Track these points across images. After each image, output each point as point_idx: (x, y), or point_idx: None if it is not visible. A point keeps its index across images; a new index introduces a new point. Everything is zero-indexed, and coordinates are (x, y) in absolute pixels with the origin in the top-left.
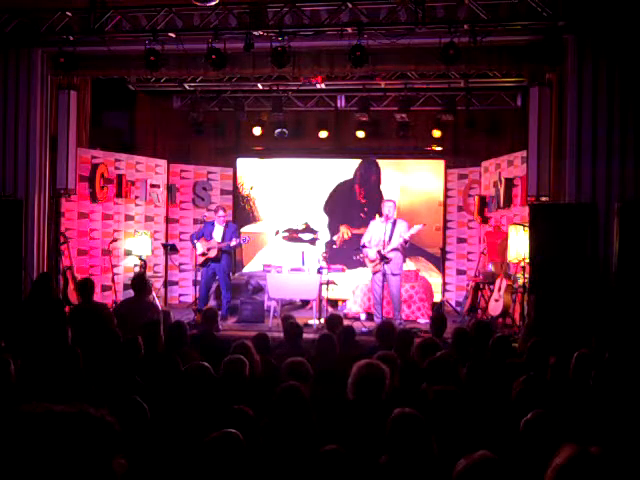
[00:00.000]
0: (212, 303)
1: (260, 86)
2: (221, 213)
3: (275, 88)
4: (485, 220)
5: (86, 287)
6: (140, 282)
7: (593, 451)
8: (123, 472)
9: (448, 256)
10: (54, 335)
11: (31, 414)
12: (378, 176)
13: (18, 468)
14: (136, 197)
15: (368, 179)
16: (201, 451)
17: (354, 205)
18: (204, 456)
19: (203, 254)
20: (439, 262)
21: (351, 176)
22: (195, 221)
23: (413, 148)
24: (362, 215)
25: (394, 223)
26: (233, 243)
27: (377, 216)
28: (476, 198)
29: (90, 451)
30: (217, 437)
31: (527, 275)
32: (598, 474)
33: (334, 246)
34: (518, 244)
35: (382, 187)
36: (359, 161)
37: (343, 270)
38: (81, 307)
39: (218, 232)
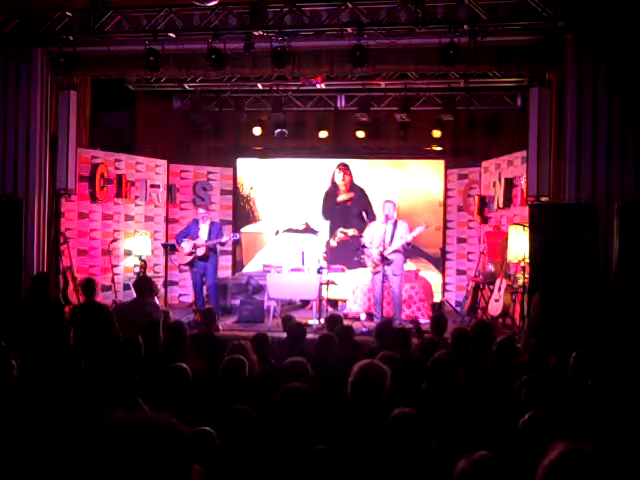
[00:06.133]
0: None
1: (260, 86)
2: (201, 211)
3: (275, 88)
4: (485, 220)
5: (89, 286)
6: (142, 283)
7: (585, 448)
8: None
9: (448, 256)
10: (53, 335)
11: (117, 425)
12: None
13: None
14: (136, 197)
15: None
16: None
17: (342, 210)
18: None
19: (190, 253)
20: (439, 262)
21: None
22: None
23: (413, 148)
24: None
25: (395, 224)
26: (225, 239)
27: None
28: (476, 198)
29: (172, 462)
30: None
31: (527, 275)
32: (590, 471)
33: (332, 244)
34: (518, 244)
35: (375, 189)
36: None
37: (343, 270)
38: (83, 306)
39: (204, 231)
